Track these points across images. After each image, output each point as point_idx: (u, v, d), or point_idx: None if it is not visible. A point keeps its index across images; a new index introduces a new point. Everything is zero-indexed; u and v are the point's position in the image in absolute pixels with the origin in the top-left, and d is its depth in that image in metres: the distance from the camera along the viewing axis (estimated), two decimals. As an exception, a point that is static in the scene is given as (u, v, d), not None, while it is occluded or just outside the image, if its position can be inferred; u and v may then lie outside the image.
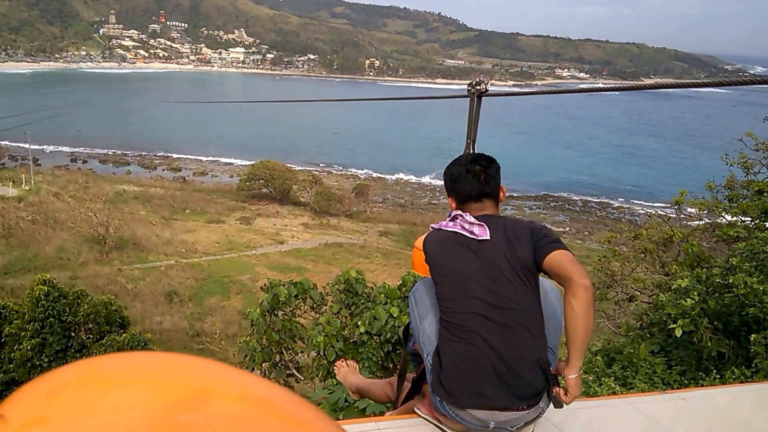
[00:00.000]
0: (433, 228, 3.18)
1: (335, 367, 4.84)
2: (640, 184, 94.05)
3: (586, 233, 67.82)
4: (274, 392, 0.54)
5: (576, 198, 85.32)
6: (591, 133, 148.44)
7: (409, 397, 3.69)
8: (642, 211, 73.28)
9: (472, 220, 3.01)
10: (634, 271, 11.79)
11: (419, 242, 3.61)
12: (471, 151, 4.31)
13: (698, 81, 3.02)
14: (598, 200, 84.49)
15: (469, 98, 4.19)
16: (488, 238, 2.93)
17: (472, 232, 2.97)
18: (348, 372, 4.72)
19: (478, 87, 3.99)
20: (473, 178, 3.09)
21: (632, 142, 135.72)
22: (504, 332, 2.83)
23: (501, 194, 3.16)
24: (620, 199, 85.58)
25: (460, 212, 3.08)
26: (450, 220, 3.10)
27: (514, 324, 2.85)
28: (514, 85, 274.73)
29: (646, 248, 11.62)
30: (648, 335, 7.21)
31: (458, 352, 2.88)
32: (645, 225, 13.73)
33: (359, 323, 9.50)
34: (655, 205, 71.34)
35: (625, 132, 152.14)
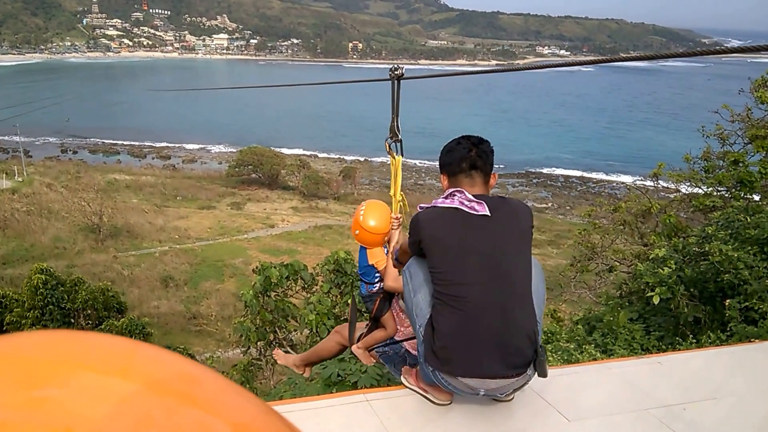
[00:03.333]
0: (422, 207, 3.21)
1: (274, 355, 5.11)
2: (620, 158, 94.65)
3: (568, 208, 68.64)
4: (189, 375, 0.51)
5: (557, 174, 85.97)
6: (571, 109, 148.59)
7: (370, 332, 4.26)
8: (621, 185, 73.61)
9: (471, 197, 3.05)
10: (613, 243, 12.00)
11: (370, 224, 4.20)
12: (397, 128, 4.55)
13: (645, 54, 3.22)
14: (579, 175, 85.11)
15: (390, 81, 4.43)
16: (488, 213, 2.99)
17: (472, 208, 3.01)
18: (285, 356, 5.09)
19: (396, 72, 4.35)
20: (464, 150, 3.16)
21: (611, 117, 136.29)
22: (500, 303, 2.92)
23: (492, 179, 3.21)
24: (600, 174, 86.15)
25: (458, 189, 3.13)
26: (445, 198, 3.14)
27: (510, 296, 2.95)
28: (497, 64, 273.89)
29: (625, 220, 11.87)
30: (627, 303, 7.36)
31: (453, 322, 2.94)
32: (624, 198, 13.87)
33: (349, 301, 9.76)
34: (635, 178, 71.91)
35: (605, 108, 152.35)
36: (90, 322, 15.45)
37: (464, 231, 3.02)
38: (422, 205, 3.24)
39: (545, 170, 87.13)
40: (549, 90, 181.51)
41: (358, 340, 4.35)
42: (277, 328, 11.54)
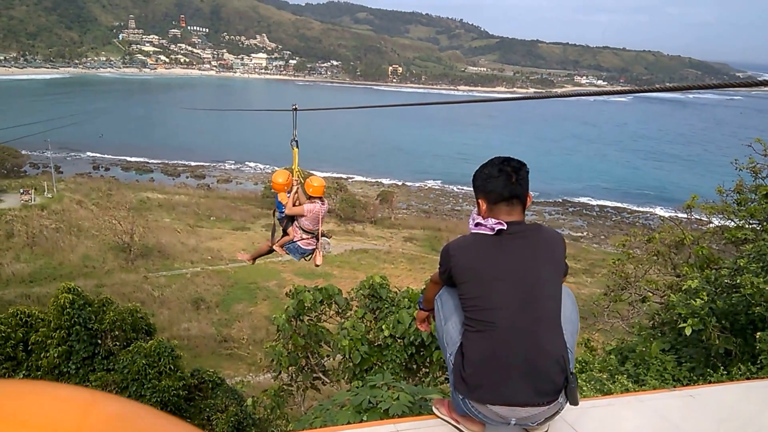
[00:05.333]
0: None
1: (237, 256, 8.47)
2: (654, 188, 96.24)
3: (603, 237, 70.09)
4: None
5: (593, 203, 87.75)
6: (607, 139, 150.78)
7: (282, 237, 9.52)
8: (655, 216, 74.39)
9: (492, 223, 3.12)
10: (647, 273, 12.21)
11: (277, 180, 9.32)
12: (294, 136, 7.90)
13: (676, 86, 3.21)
14: (614, 205, 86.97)
15: (291, 111, 7.92)
16: (504, 227, 3.07)
17: (492, 229, 3.09)
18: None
19: (294, 106, 7.83)
20: (506, 178, 3.16)
21: (647, 148, 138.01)
22: (529, 329, 2.97)
23: (528, 200, 3.26)
24: (634, 204, 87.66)
25: (480, 219, 3.20)
26: (476, 225, 3.22)
27: (540, 322, 3.00)
28: (535, 92, 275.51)
29: (659, 251, 12.07)
30: (659, 334, 7.44)
31: (482, 348, 3.00)
32: (658, 229, 14.01)
33: (383, 327, 9.78)
34: (669, 209, 72.38)
35: (639, 138, 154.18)
36: (117, 343, 15.69)
37: (494, 257, 3.09)
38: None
39: (581, 199, 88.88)
40: (585, 119, 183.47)
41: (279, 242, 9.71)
42: (309, 354, 11.62)
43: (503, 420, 3.02)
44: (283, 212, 9.36)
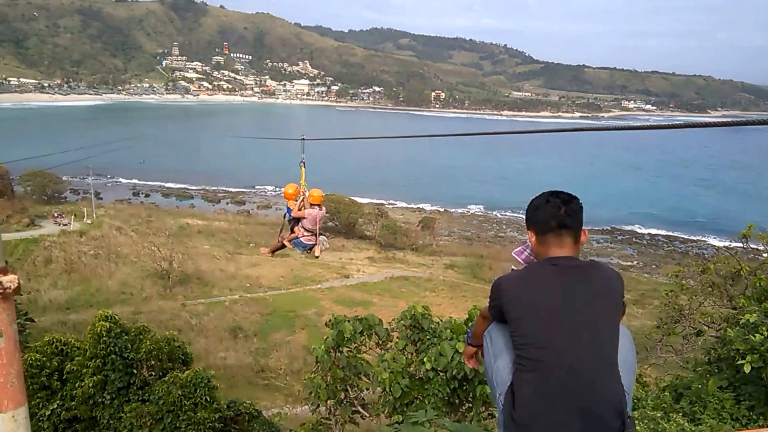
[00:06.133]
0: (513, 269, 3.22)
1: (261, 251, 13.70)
2: (706, 216, 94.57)
3: (654, 267, 68.75)
4: None
5: (643, 231, 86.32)
6: (657, 165, 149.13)
7: (289, 234, 13.35)
8: (709, 245, 72.94)
9: (527, 254, 3.13)
10: (701, 305, 11.91)
11: (287, 191, 13.21)
12: (303, 159, 12.57)
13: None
14: (665, 234, 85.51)
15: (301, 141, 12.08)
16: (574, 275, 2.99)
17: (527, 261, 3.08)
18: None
19: (302, 136, 12.57)
20: (553, 208, 3.10)
21: (699, 174, 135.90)
22: (586, 371, 2.84)
23: (582, 236, 3.16)
24: (686, 232, 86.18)
25: (523, 249, 3.18)
26: (526, 258, 3.21)
27: (596, 363, 2.86)
28: (581, 117, 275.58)
29: (714, 282, 11.76)
30: (716, 370, 7.18)
31: (533, 388, 2.86)
32: (713, 259, 13.67)
33: (425, 360, 9.55)
34: (723, 238, 71.14)
35: (691, 165, 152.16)
36: (153, 373, 15.67)
37: (549, 293, 2.96)
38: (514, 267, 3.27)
39: (631, 227, 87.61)
40: (632, 144, 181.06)
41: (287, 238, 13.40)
42: (348, 386, 11.42)
43: None
44: (290, 215, 13.20)
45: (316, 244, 13.19)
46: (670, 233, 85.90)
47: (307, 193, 12.94)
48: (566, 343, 2.86)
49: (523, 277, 3.07)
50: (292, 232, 13.28)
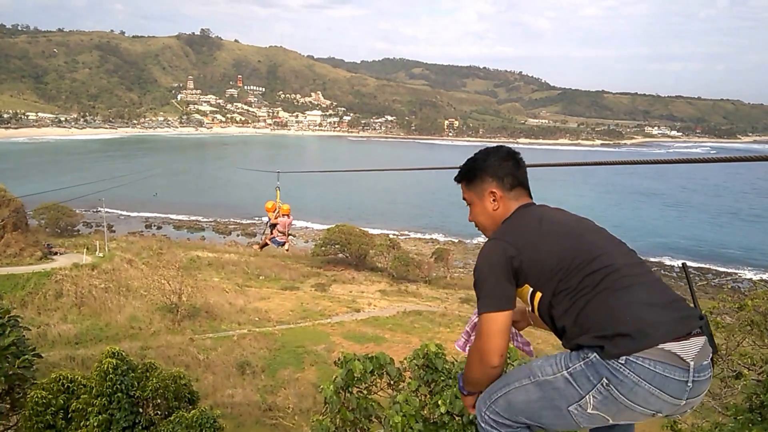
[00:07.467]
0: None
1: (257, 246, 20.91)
2: (740, 247, 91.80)
3: (686, 301, 66.13)
4: None
5: (672, 263, 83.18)
6: (685, 193, 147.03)
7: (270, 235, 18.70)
8: (745, 279, 71.03)
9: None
10: (740, 345, 11.37)
11: (267, 205, 18.43)
12: (278, 190, 19.00)
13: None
14: (697, 265, 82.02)
15: (276, 174, 18.25)
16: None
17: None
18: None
19: (278, 170, 18.69)
20: (516, 162, 3.07)
21: (731, 204, 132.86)
22: (640, 267, 2.70)
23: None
24: (719, 265, 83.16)
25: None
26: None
27: (636, 259, 2.75)
28: (602, 144, 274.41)
29: (753, 320, 11.18)
30: (759, 418, 6.79)
31: (615, 296, 2.53)
32: (750, 294, 13.16)
33: (439, 402, 9.16)
34: (759, 271, 69.85)
35: (722, 193, 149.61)
36: (159, 412, 15.40)
37: (553, 219, 2.86)
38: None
39: (659, 259, 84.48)
40: (658, 171, 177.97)
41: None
42: (358, 429, 11.01)
43: (679, 364, 2.39)
44: (270, 222, 18.43)
45: (286, 242, 18.61)
46: (702, 265, 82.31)
47: (278, 209, 18.13)
48: (605, 246, 2.69)
49: (514, 222, 2.92)
50: (271, 233, 18.48)
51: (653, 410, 2.45)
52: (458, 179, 3.23)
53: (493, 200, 3.04)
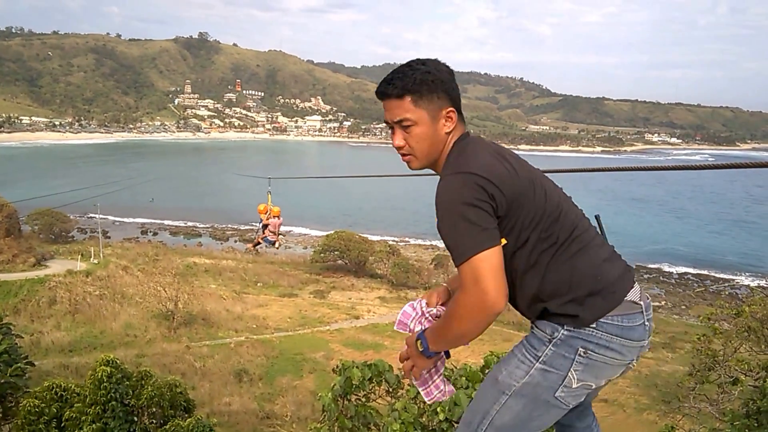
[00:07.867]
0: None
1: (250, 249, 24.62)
2: (739, 254, 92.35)
3: (683, 307, 66.75)
4: None
5: (671, 270, 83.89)
6: (684, 199, 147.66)
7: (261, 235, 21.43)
8: (743, 285, 71.34)
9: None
10: (737, 351, 11.49)
11: (259, 208, 21.37)
12: (268, 191, 20.88)
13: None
14: (695, 272, 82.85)
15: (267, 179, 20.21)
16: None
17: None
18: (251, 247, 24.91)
19: (268, 177, 20.36)
20: (450, 73, 2.73)
21: (729, 211, 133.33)
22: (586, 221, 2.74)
23: None
24: (718, 271, 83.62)
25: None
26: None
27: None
28: (602, 151, 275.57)
29: (750, 326, 11.31)
30: (755, 424, 6.83)
31: (589, 252, 2.57)
32: (747, 300, 13.28)
33: (438, 409, 9.10)
34: (757, 277, 70.11)
35: (721, 200, 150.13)
36: (154, 421, 15.29)
37: (518, 160, 2.60)
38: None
39: (658, 265, 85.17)
40: (658, 178, 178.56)
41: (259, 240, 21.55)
42: (356, 438, 10.93)
43: (636, 309, 2.53)
44: (261, 223, 20.56)
45: (276, 240, 20.89)
46: (701, 271, 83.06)
47: (269, 211, 20.23)
48: (565, 199, 2.65)
49: (473, 152, 2.51)
50: (263, 233, 20.69)
51: (628, 360, 2.53)
52: (399, 93, 2.61)
53: (448, 122, 2.63)
